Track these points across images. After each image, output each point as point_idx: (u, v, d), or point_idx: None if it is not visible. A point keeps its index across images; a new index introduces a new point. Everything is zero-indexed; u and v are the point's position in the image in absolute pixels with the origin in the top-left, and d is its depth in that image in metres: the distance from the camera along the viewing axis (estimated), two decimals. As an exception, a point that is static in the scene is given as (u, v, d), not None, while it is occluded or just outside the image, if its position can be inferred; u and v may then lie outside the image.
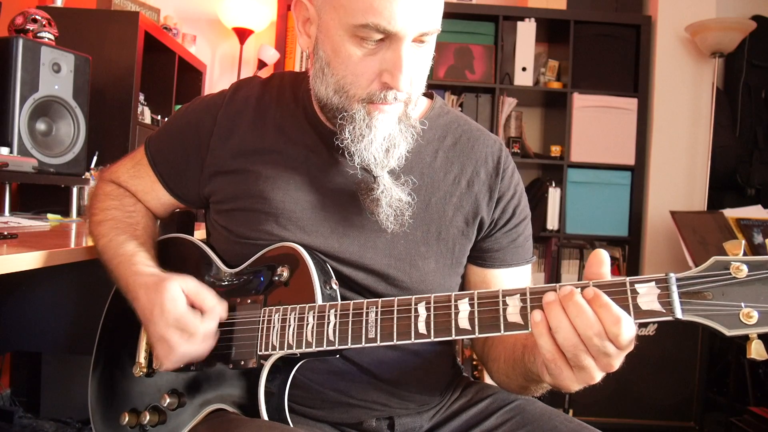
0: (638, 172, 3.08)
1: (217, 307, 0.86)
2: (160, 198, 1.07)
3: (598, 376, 0.70)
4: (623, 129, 3.07)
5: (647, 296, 0.65)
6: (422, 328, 0.76)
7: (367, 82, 0.84)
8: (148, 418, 0.91)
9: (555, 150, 3.12)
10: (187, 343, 0.84)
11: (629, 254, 3.10)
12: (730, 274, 0.63)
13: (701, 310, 0.64)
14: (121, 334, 1.01)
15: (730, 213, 2.61)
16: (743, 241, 0.64)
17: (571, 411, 2.42)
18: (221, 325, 0.88)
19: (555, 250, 3.12)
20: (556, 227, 3.09)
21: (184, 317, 0.83)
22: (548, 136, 3.40)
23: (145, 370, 0.95)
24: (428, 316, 0.76)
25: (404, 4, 0.78)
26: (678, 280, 0.65)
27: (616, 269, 3.12)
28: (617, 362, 0.69)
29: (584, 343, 0.67)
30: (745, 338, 0.63)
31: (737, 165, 3.14)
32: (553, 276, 3.12)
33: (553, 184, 3.10)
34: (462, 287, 1.02)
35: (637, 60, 3.11)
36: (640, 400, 2.45)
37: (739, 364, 2.57)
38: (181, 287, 0.85)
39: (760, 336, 0.62)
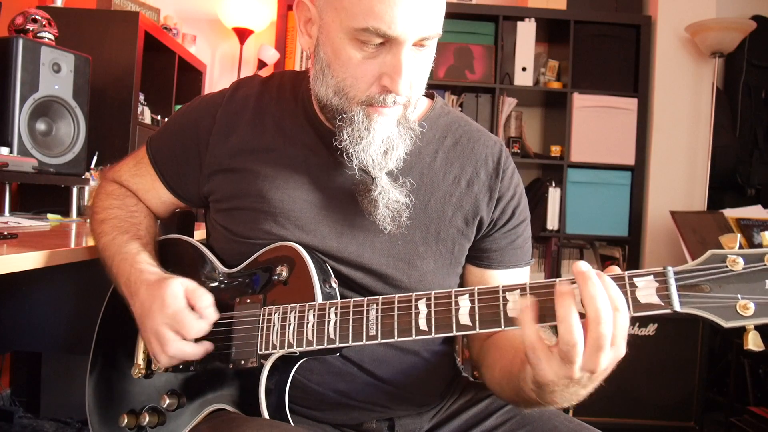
0: (638, 172, 3.08)
1: (209, 309, 0.86)
2: (161, 197, 1.07)
3: (577, 374, 0.67)
4: (623, 129, 3.07)
5: (646, 290, 0.66)
6: (423, 325, 0.76)
7: (366, 85, 0.84)
8: (147, 419, 0.91)
9: (555, 150, 3.12)
10: (180, 343, 0.84)
11: (629, 254, 3.10)
12: (726, 266, 0.64)
13: (699, 303, 0.64)
14: (119, 335, 1.00)
15: (730, 213, 2.61)
16: (739, 234, 0.64)
17: (571, 411, 2.42)
18: (221, 324, 0.88)
19: (555, 250, 3.12)
20: (556, 227, 3.09)
21: (180, 313, 0.84)
22: (548, 136, 3.41)
23: (143, 371, 0.95)
24: (429, 313, 0.76)
25: (405, 9, 0.78)
26: (676, 273, 0.65)
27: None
28: (603, 362, 0.66)
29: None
30: (743, 332, 0.64)
31: (737, 165, 3.14)
32: (553, 276, 3.12)
33: (553, 184, 3.10)
34: (460, 287, 1.01)
35: (637, 60, 3.11)
36: (640, 400, 2.45)
37: (739, 364, 2.57)
38: (182, 285, 0.86)
39: (757, 327, 0.62)
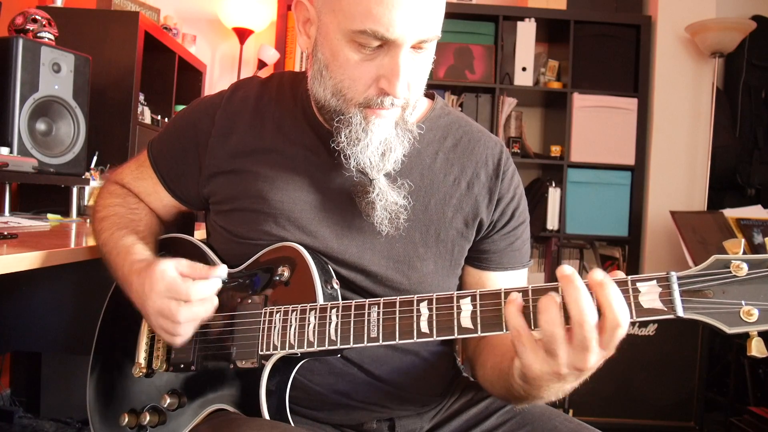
0: (638, 172, 3.08)
1: (204, 269, 0.86)
2: (162, 199, 1.07)
3: (564, 370, 0.68)
4: (623, 129, 3.07)
5: (649, 294, 0.66)
6: (425, 327, 0.76)
7: (364, 87, 0.84)
8: (148, 418, 0.91)
9: (555, 150, 3.12)
10: (185, 307, 0.83)
11: (629, 254, 3.10)
12: (730, 272, 0.64)
13: (702, 308, 0.64)
14: (120, 334, 1.01)
15: (730, 213, 2.61)
16: (743, 240, 0.64)
17: (571, 411, 2.42)
18: (222, 324, 0.88)
19: (555, 250, 3.12)
20: (556, 227, 3.09)
21: (173, 282, 0.83)
22: (548, 136, 3.41)
23: (144, 370, 0.95)
24: (430, 315, 0.76)
25: (403, 12, 0.77)
26: (679, 278, 0.65)
27: (615, 269, 3.12)
28: (591, 361, 0.67)
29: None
30: (745, 337, 0.63)
31: (737, 165, 3.14)
32: (553, 276, 3.10)
33: (553, 184, 3.09)
34: (458, 288, 1.01)
35: (637, 60, 3.11)
36: (640, 400, 2.46)
37: (739, 364, 2.57)
38: (172, 262, 0.86)
39: (761, 333, 0.62)
